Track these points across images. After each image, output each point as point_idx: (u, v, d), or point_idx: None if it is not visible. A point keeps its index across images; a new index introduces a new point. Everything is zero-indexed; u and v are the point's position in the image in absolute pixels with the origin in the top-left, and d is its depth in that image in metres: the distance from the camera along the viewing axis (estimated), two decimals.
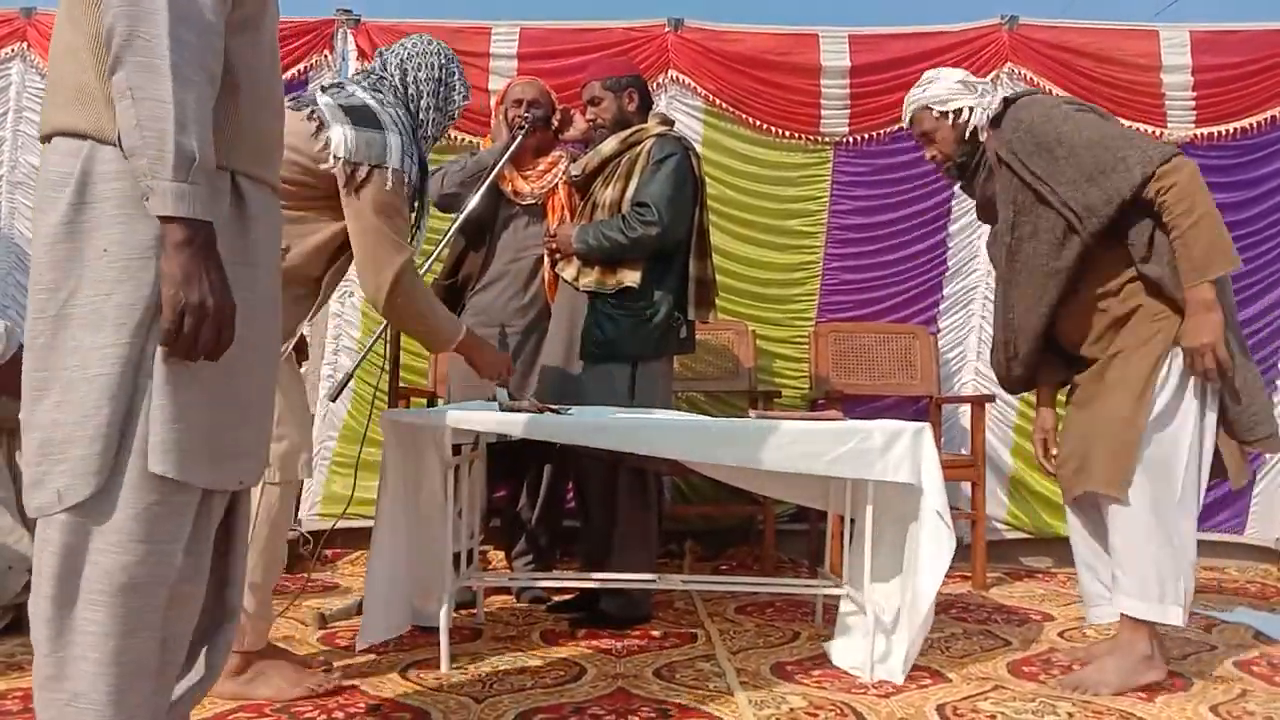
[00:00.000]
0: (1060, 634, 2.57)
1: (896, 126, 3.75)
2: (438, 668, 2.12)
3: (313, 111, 1.91)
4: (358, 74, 2.11)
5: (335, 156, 1.88)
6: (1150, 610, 2.03)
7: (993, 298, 3.71)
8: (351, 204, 1.90)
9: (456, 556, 2.32)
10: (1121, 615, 2.09)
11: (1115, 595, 2.09)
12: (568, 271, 2.65)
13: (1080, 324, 2.18)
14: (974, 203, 3.70)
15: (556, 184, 2.89)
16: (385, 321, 2.58)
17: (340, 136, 1.89)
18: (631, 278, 2.56)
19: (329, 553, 3.40)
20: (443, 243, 2.69)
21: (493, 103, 3.47)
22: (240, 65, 1.24)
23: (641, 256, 2.56)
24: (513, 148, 2.75)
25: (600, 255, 2.57)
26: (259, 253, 1.28)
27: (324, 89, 2.00)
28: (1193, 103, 3.72)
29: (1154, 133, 3.72)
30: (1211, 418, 2.08)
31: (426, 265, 2.64)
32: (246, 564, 1.42)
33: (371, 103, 1.97)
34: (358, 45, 3.72)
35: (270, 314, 1.34)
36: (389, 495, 2.20)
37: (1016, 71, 3.73)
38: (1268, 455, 3.69)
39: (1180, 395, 2.06)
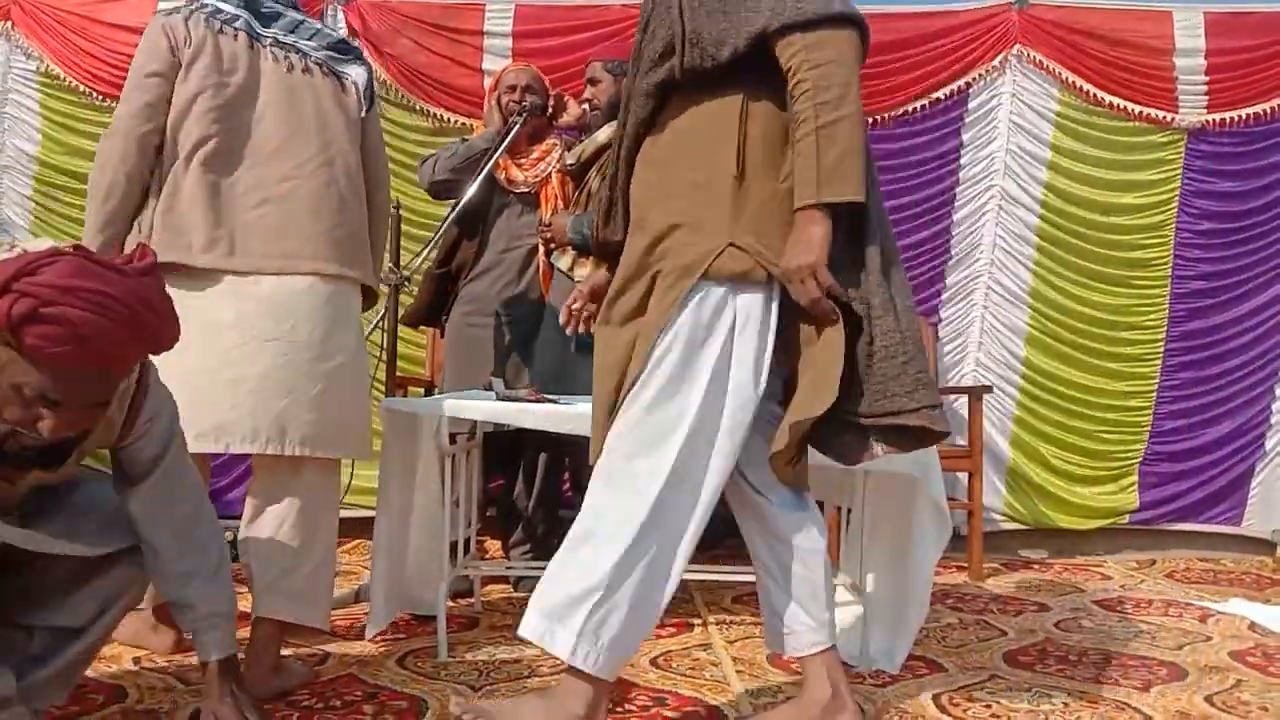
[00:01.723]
0: (1056, 624, 2.65)
1: (902, 110, 3.78)
2: (435, 656, 2.19)
3: (321, 66, 2.09)
4: None
5: (366, 99, 2.14)
6: (538, 628, 1.59)
7: (996, 288, 3.81)
8: (372, 124, 2.19)
9: (453, 545, 2.39)
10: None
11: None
12: (562, 261, 2.71)
13: (644, 195, 1.70)
14: (980, 190, 3.81)
15: (550, 172, 2.95)
16: (383, 310, 2.67)
17: (364, 78, 2.15)
18: None
19: None
20: (439, 231, 2.76)
21: (486, 84, 3.53)
22: None
23: None
24: (510, 135, 2.80)
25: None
26: None
27: (283, 42, 2.08)
28: (1205, 87, 3.75)
29: (1165, 118, 3.76)
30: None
31: (423, 254, 2.70)
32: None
33: (333, 32, 2.19)
34: (349, 24, 3.73)
35: None
36: (391, 484, 2.28)
37: (1026, 53, 3.76)
38: (1267, 446, 3.78)
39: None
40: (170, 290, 1.96)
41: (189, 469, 1.67)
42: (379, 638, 2.36)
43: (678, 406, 1.57)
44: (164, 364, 1.95)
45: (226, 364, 1.92)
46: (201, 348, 1.91)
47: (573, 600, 1.56)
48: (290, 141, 2.01)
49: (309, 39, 2.10)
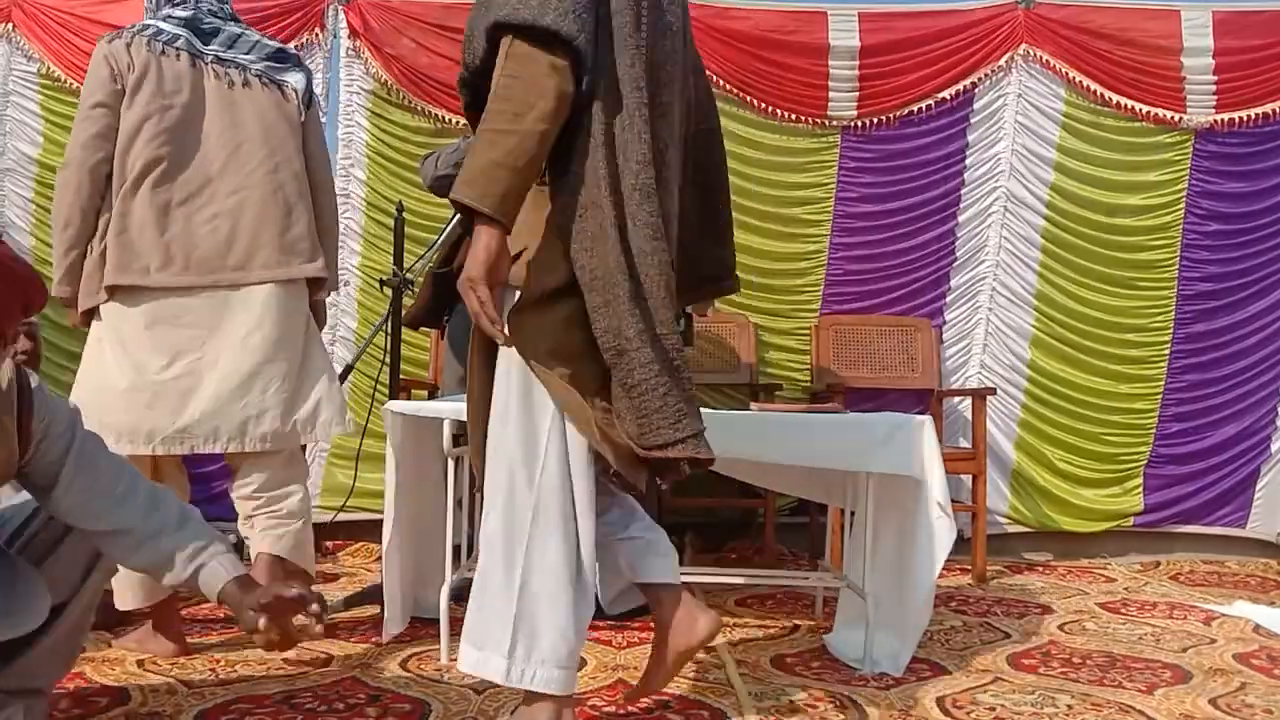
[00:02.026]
0: (1060, 627, 2.67)
1: (907, 110, 3.79)
2: (438, 659, 2.20)
3: (260, 77, 2.27)
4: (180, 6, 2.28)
5: (304, 103, 2.32)
6: (471, 659, 1.61)
7: (1001, 290, 3.83)
8: (312, 126, 2.36)
9: (456, 548, 2.40)
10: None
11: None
12: None
13: None
14: (985, 191, 3.83)
15: None
16: (385, 313, 2.69)
17: (303, 84, 2.33)
18: None
19: (329, 544, 3.50)
20: (443, 234, 2.78)
21: None
22: None
23: None
24: None
25: None
26: None
27: (223, 58, 2.26)
28: (1213, 87, 3.76)
29: (1172, 118, 3.77)
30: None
31: (427, 255, 2.72)
32: None
33: (270, 41, 2.34)
34: (349, 24, 3.75)
35: None
36: (397, 488, 2.30)
37: (1032, 53, 3.77)
38: (1273, 448, 3.80)
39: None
40: (124, 308, 2.13)
41: (106, 455, 1.60)
42: (382, 640, 2.38)
43: (505, 410, 1.59)
44: (125, 377, 2.10)
45: (185, 374, 2.12)
46: (161, 360, 2.11)
47: (496, 621, 1.57)
48: (236, 156, 2.19)
49: (247, 52, 2.27)
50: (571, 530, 1.59)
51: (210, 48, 2.23)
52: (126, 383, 2.10)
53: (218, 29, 2.25)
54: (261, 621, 1.48)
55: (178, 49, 2.18)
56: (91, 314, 2.21)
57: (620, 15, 1.52)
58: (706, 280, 1.84)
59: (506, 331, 1.51)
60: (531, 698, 1.60)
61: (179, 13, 2.22)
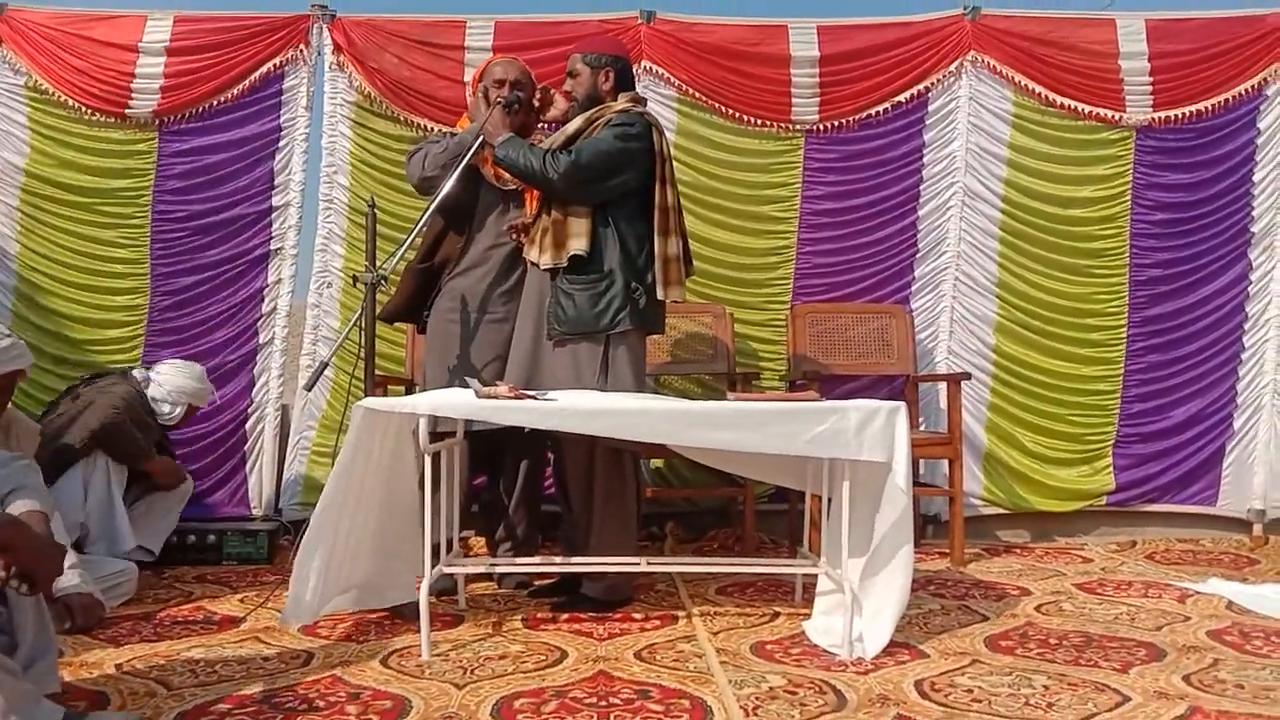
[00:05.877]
0: (1037, 608, 2.52)
1: (865, 114, 3.74)
2: (418, 654, 2.05)
3: None
4: None
5: None
6: None
7: (963, 279, 3.68)
8: None
9: (437, 544, 2.23)
10: None
11: None
12: (532, 254, 2.57)
13: None
14: (943, 186, 3.69)
15: None
16: (360, 310, 2.49)
17: None
18: (577, 245, 2.47)
19: None
20: (418, 226, 2.58)
21: (468, 79, 3.38)
22: None
23: (554, 195, 2.50)
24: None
25: (512, 169, 2.53)
26: None
27: None
28: (1150, 88, 3.72)
29: (1113, 117, 3.72)
30: None
31: (402, 248, 2.53)
32: None
33: None
34: (334, 40, 3.62)
35: None
36: (338, 481, 2.10)
37: (980, 59, 3.72)
38: (1236, 426, 3.69)
39: None
40: None
41: None
42: (361, 637, 2.21)
43: None
44: None
45: None
46: None
47: None
48: None
49: None
50: None
51: None
52: None
53: None
54: None
55: None
56: None
57: None
58: None
59: None
60: None
61: None
